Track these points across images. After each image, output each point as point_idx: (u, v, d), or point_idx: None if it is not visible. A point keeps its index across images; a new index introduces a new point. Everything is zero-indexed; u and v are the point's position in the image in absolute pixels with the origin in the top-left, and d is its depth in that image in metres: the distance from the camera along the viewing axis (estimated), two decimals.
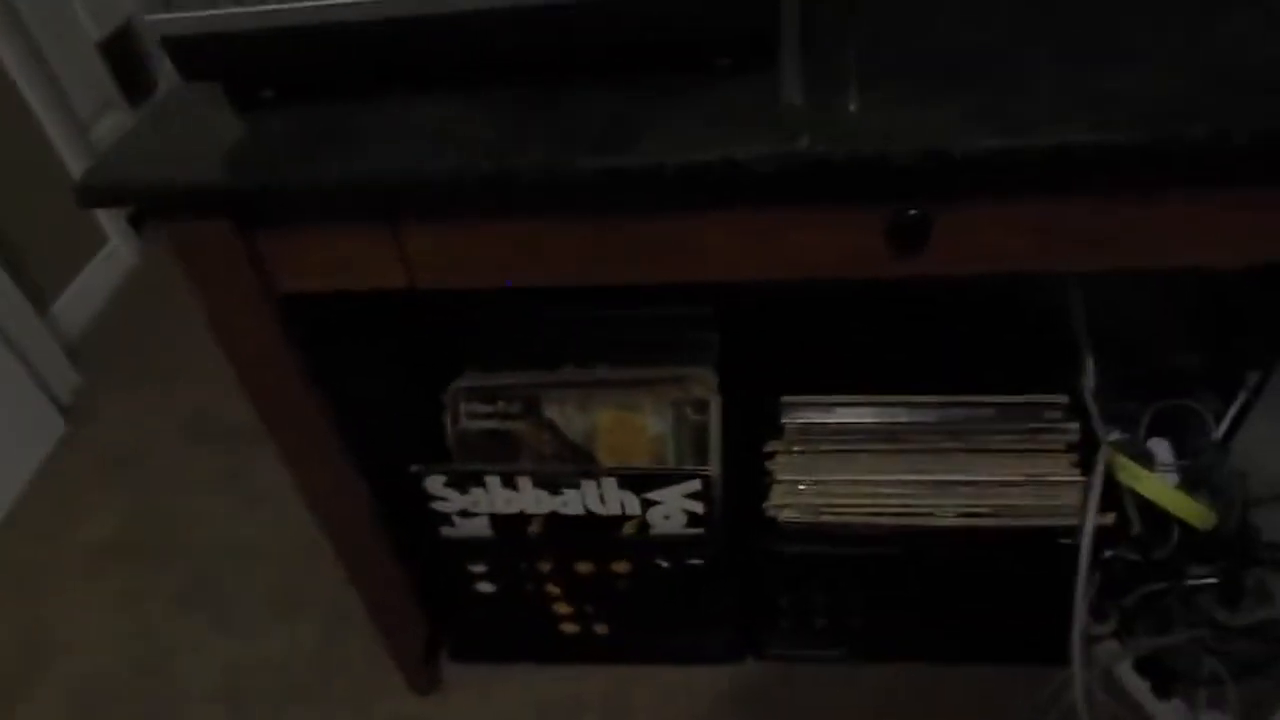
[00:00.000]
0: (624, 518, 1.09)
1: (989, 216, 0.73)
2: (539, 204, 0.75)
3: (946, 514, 1.10)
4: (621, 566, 1.15)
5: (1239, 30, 0.73)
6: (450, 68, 0.77)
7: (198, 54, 0.74)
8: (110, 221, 2.24)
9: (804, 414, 1.14)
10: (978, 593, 1.17)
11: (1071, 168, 0.68)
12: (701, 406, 1.15)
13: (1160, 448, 1.21)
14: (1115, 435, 1.16)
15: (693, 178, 0.68)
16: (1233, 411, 1.21)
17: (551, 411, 1.16)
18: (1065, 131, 0.65)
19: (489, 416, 1.17)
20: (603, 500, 1.08)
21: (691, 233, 0.76)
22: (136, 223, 2.32)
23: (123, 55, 2.31)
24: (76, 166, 2.12)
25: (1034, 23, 0.77)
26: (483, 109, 0.75)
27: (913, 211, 0.72)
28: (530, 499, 1.09)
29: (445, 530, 1.12)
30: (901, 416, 1.13)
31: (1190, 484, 1.15)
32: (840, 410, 1.14)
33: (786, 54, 0.77)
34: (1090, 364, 1.17)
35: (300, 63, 0.76)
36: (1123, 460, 1.09)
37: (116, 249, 2.26)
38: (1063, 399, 1.13)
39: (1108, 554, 1.11)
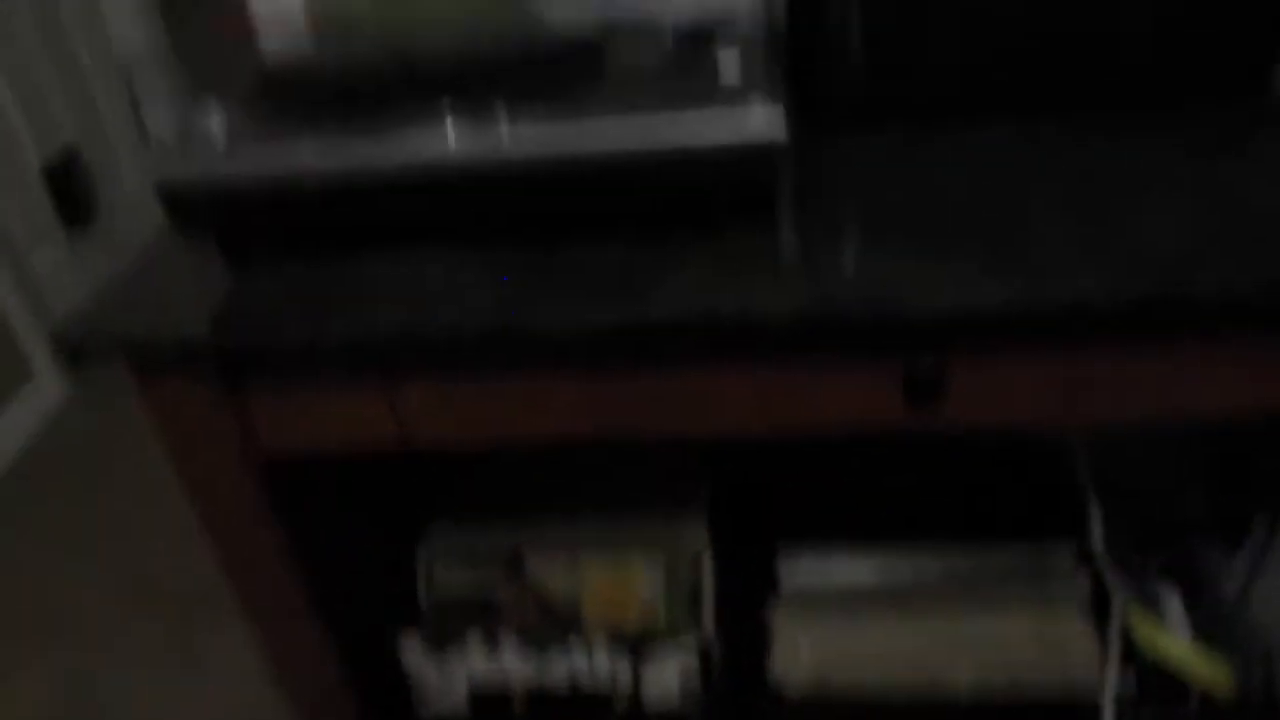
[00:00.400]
0: (614, 691, 1.07)
1: (1006, 369, 0.76)
2: (545, 359, 0.77)
3: (958, 674, 1.10)
4: None
5: (1239, 182, 0.79)
6: (451, 223, 0.80)
7: (193, 206, 0.77)
8: (39, 353, 2.22)
9: (802, 567, 1.15)
10: None
11: (1087, 321, 0.72)
12: (695, 563, 1.15)
13: (1171, 599, 1.23)
14: (1126, 589, 1.18)
15: (707, 332, 0.70)
16: (1242, 560, 1.23)
17: (535, 570, 1.16)
18: (1079, 285, 0.69)
19: (468, 581, 1.16)
20: (592, 668, 1.06)
21: (703, 387, 0.78)
22: (76, 358, 2.31)
23: (64, 181, 2.34)
24: (12, 297, 2.12)
25: (1033, 179, 0.82)
26: (485, 264, 0.78)
27: (928, 364, 0.75)
28: (514, 663, 1.07)
29: (422, 708, 1.09)
30: (905, 568, 1.14)
31: (1205, 637, 1.17)
32: (840, 563, 1.15)
33: (789, 209, 0.81)
34: (1097, 512, 1.20)
35: (298, 217, 0.78)
36: (1138, 618, 1.11)
37: (43, 382, 2.23)
38: (1071, 549, 1.15)
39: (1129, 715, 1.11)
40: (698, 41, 0.80)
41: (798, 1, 0.92)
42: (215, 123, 0.76)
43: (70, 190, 2.36)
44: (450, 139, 0.73)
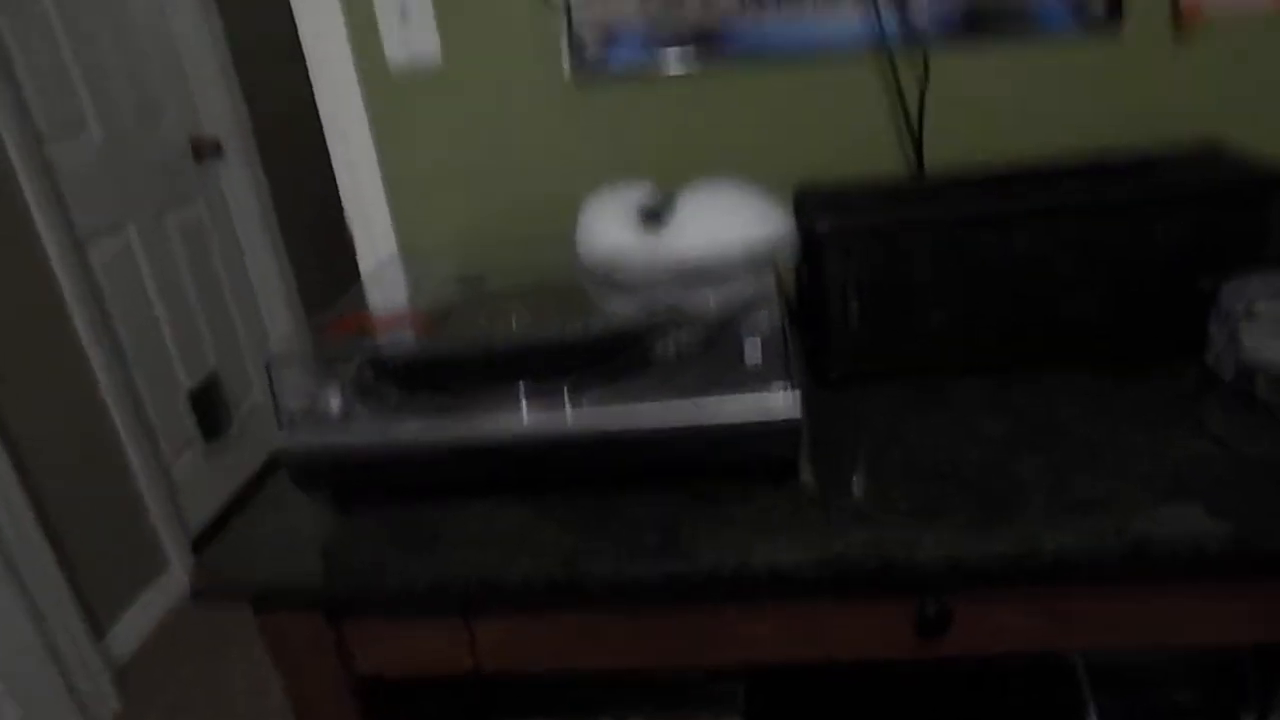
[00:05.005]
0: None
1: (1002, 606, 0.74)
2: (602, 603, 0.76)
3: None
4: None
5: (1179, 443, 0.78)
6: (524, 482, 0.81)
7: (311, 469, 0.79)
8: (174, 546, 2.24)
9: None
10: None
11: (1068, 571, 0.70)
12: None
13: None
14: None
15: (741, 582, 0.70)
16: None
17: None
18: (1059, 540, 0.68)
19: None
20: None
21: (739, 623, 0.76)
22: (199, 547, 2.32)
23: (206, 400, 2.43)
24: (154, 499, 2.16)
25: (1009, 434, 0.82)
26: (550, 516, 0.78)
27: (934, 603, 0.74)
28: None
29: None
30: None
31: None
32: None
33: (807, 463, 0.82)
34: (1093, 710, 1.13)
35: (395, 477, 0.80)
36: None
37: (175, 573, 2.24)
38: None
39: None
40: (727, 329, 0.83)
41: (807, 288, 0.96)
42: (334, 403, 0.79)
43: (211, 409, 2.44)
44: (523, 417, 0.76)
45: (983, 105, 1.06)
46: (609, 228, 0.89)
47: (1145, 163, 0.96)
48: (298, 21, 1.11)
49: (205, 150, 2.48)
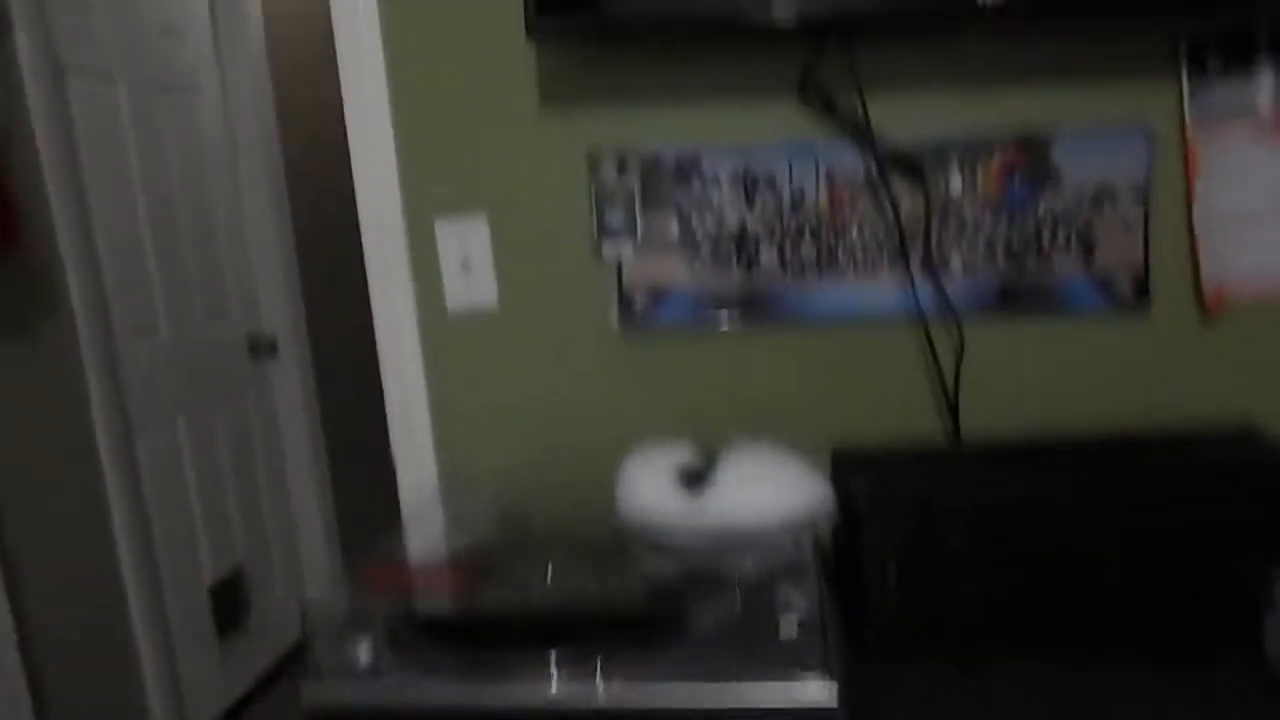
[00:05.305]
0: None
1: None
2: None
3: None
4: None
5: None
6: None
7: None
8: None
9: None
10: None
11: None
12: None
13: None
14: None
15: None
16: None
17: None
18: None
19: None
20: None
21: None
22: None
23: (228, 593, 2.40)
24: (158, 692, 2.10)
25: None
26: None
27: None
28: None
29: None
30: None
31: None
32: None
33: None
34: None
35: None
36: None
37: None
38: None
39: None
40: (764, 599, 0.82)
41: (844, 550, 0.96)
42: (364, 658, 0.79)
43: (231, 602, 2.41)
44: (554, 687, 0.74)
45: (1016, 377, 1.09)
46: (650, 487, 0.91)
47: (1182, 442, 0.97)
48: (366, 263, 1.19)
49: (261, 348, 2.59)
